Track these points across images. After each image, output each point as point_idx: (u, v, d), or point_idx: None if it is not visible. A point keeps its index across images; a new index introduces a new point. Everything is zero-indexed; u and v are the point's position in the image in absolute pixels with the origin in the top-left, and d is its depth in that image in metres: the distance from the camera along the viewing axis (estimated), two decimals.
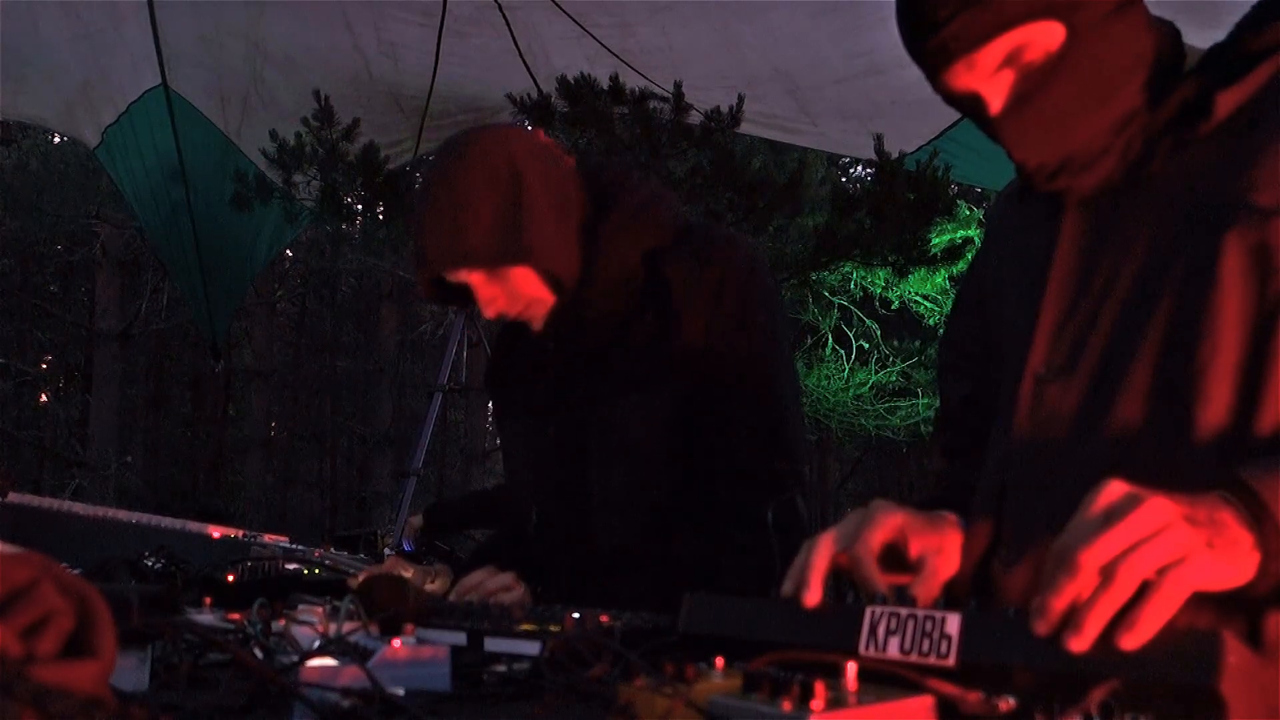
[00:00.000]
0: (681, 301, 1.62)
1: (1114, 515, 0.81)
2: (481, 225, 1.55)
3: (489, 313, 1.64)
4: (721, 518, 1.60)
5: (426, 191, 1.61)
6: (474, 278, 1.61)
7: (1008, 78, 1.09)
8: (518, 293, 1.63)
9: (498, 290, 1.62)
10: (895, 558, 1.11)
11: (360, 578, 1.41)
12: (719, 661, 0.78)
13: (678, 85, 4.16)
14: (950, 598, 1.15)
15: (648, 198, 1.70)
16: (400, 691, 0.81)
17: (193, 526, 2.04)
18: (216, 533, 2.01)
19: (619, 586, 1.57)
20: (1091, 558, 0.79)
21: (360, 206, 4.91)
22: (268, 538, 2.01)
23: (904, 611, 0.84)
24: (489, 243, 1.56)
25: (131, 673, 0.87)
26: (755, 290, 1.65)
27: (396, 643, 0.90)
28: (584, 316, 1.66)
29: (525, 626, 1.08)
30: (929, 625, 0.81)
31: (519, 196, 1.57)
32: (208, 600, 1.28)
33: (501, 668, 1.00)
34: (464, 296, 1.67)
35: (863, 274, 10.28)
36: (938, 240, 6.09)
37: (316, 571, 1.70)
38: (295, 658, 0.88)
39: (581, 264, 1.64)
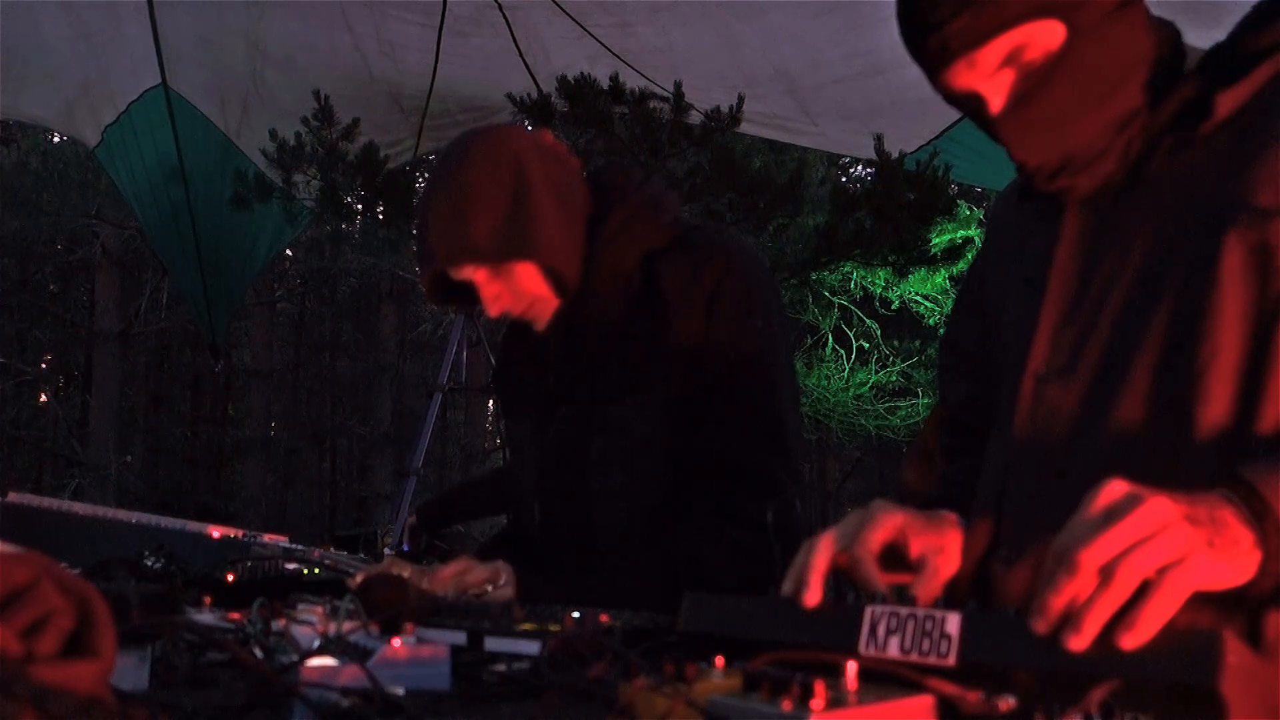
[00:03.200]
0: (677, 304, 1.63)
1: (1114, 515, 0.81)
2: (486, 221, 1.56)
3: (493, 311, 1.65)
4: (719, 517, 1.60)
5: (432, 189, 1.62)
6: (478, 275, 1.61)
7: (1008, 77, 1.09)
8: (521, 290, 1.63)
9: (501, 287, 1.63)
10: (895, 558, 1.11)
11: (359, 578, 1.41)
12: (719, 661, 0.78)
13: (678, 85, 4.16)
14: (950, 597, 1.15)
15: (648, 199, 1.70)
16: (400, 691, 0.81)
17: (193, 526, 2.04)
18: (216, 533, 2.00)
19: (619, 583, 1.57)
20: (1091, 557, 0.79)
21: (360, 206, 4.90)
22: (268, 538, 2.00)
23: (904, 611, 0.84)
24: (494, 238, 1.56)
25: (131, 673, 0.86)
26: (752, 294, 1.65)
27: (396, 642, 0.90)
28: (582, 317, 1.66)
29: (525, 626, 1.08)
30: (929, 625, 0.81)
31: (524, 193, 1.57)
32: (208, 600, 1.28)
33: (501, 667, 1.00)
34: (467, 296, 1.67)
35: (863, 274, 10.28)
36: (938, 240, 6.09)
37: (316, 571, 1.70)
38: (295, 657, 0.88)
39: (583, 264, 1.64)
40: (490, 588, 1.53)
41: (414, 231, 1.68)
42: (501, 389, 1.90)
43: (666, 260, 1.66)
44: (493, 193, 1.57)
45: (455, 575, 1.51)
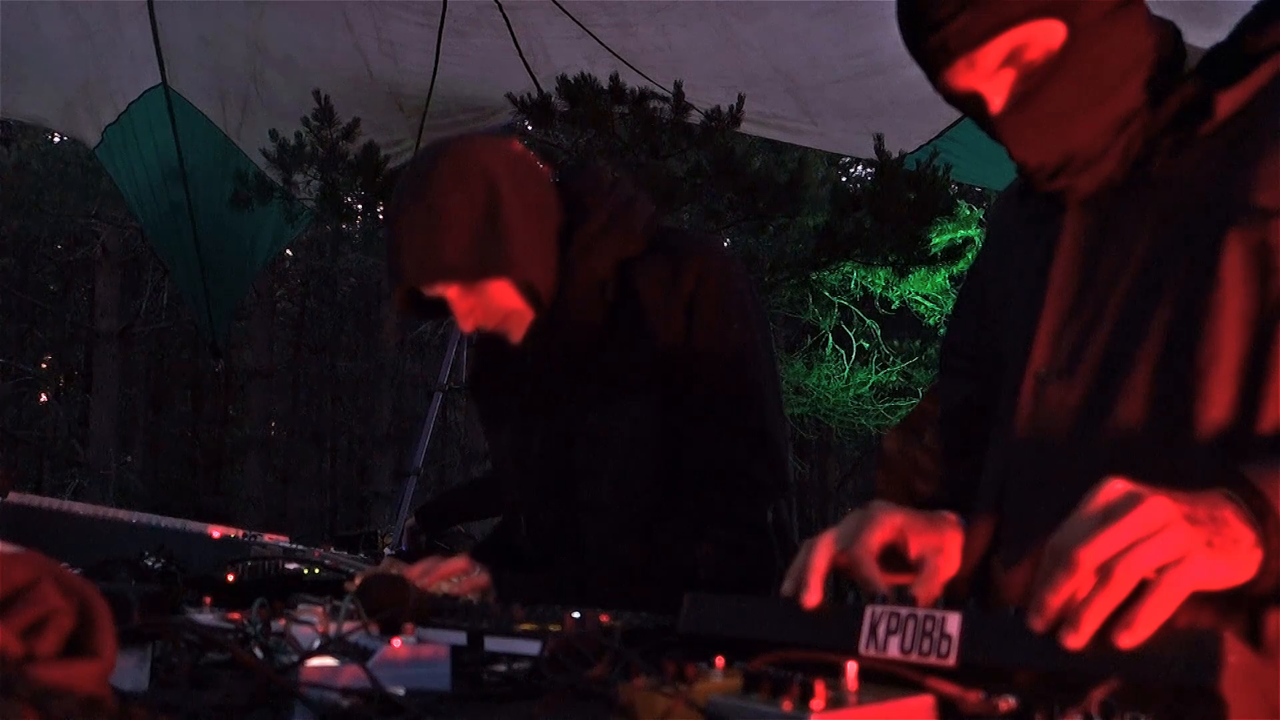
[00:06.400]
0: (656, 311, 1.62)
1: (1113, 513, 0.81)
2: (458, 239, 1.54)
3: (467, 326, 1.63)
4: (703, 518, 1.60)
5: (400, 206, 1.59)
6: (451, 291, 1.59)
7: (1008, 77, 1.09)
8: (495, 306, 1.62)
9: (475, 303, 1.61)
10: (895, 558, 1.11)
11: (358, 580, 1.41)
12: (719, 661, 0.78)
13: (678, 85, 4.16)
14: (950, 597, 1.15)
15: (621, 205, 1.68)
16: (400, 691, 0.81)
17: (193, 526, 2.04)
18: (216, 533, 2.00)
19: (609, 591, 1.56)
20: (1089, 555, 0.79)
21: (360, 206, 4.90)
22: (268, 538, 2.00)
23: (904, 611, 0.84)
24: (466, 256, 1.54)
25: (131, 673, 0.86)
26: (730, 297, 1.64)
27: (396, 642, 0.90)
28: (559, 326, 1.65)
29: (525, 626, 1.08)
30: (929, 625, 0.81)
31: (495, 208, 1.56)
32: (208, 600, 1.28)
33: (501, 667, 1.00)
34: (440, 309, 1.66)
35: (863, 274, 10.29)
36: (938, 240, 6.09)
37: (316, 571, 1.70)
38: (295, 658, 0.88)
39: (557, 274, 1.63)
40: (457, 580, 1.52)
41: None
42: (478, 399, 1.88)
43: (642, 266, 1.65)
44: (463, 210, 1.54)
45: (417, 577, 1.50)
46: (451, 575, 1.54)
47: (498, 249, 1.55)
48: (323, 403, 18.13)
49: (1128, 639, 0.74)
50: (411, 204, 1.57)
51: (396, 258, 1.58)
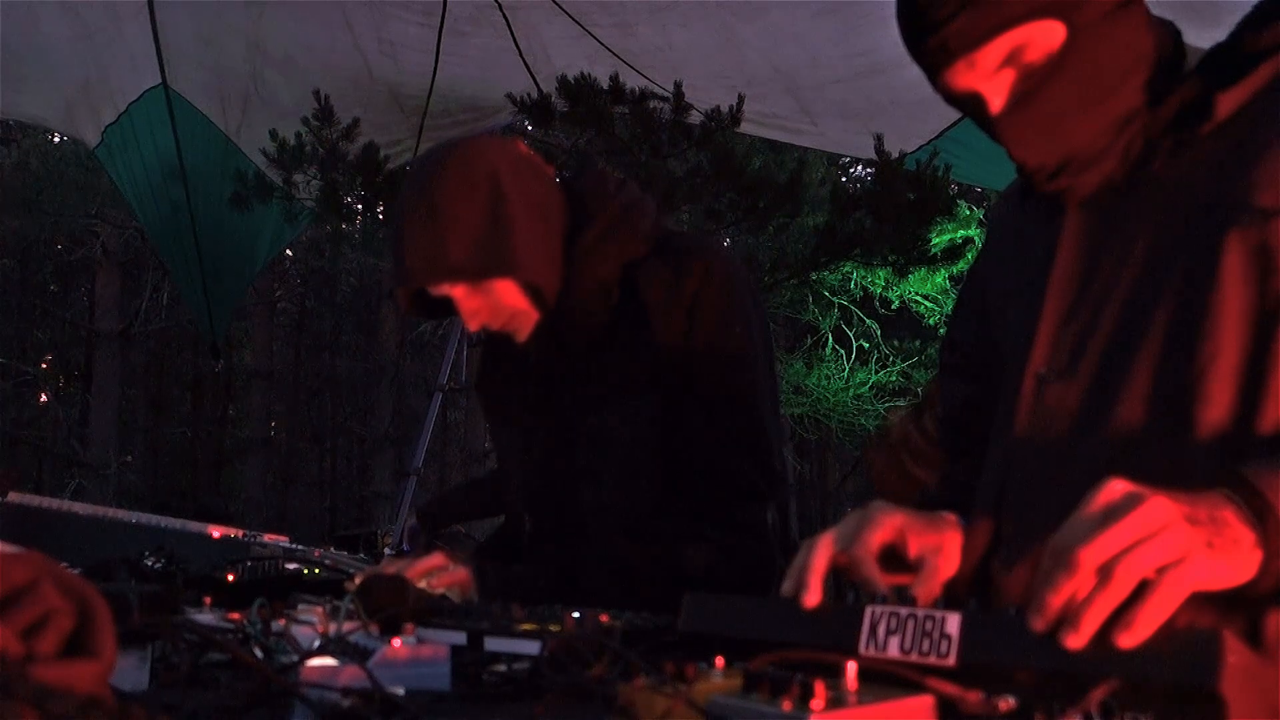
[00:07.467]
0: (658, 313, 1.62)
1: (1113, 514, 0.81)
2: (464, 238, 1.55)
3: (472, 326, 1.63)
4: (697, 519, 1.60)
5: (406, 206, 1.60)
6: (457, 291, 1.60)
7: (1008, 77, 1.09)
8: (501, 305, 1.62)
9: (481, 303, 1.62)
10: (895, 558, 1.11)
11: (358, 580, 1.41)
12: (719, 661, 0.78)
13: (678, 85, 4.16)
14: (950, 597, 1.15)
15: (626, 207, 1.68)
16: (400, 691, 0.81)
17: (193, 526, 2.04)
18: (216, 533, 2.00)
19: (599, 587, 1.56)
20: (1090, 556, 0.79)
21: (360, 206, 4.90)
22: (268, 538, 2.00)
23: (904, 611, 0.84)
24: (472, 256, 1.55)
25: (131, 673, 0.86)
26: (732, 300, 1.65)
27: (396, 642, 0.90)
28: (563, 328, 1.66)
29: (525, 626, 1.08)
30: (929, 625, 0.81)
31: (500, 209, 1.56)
32: (208, 600, 1.28)
33: (501, 667, 1.00)
34: (445, 309, 1.66)
35: (863, 274, 10.30)
36: (938, 240, 6.09)
37: (316, 571, 1.70)
38: (295, 658, 0.88)
39: (562, 275, 1.63)
40: (426, 582, 1.52)
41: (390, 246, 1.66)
42: (484, 398, 1.89)
43: (646, 269, 1.65)
44: (469, 210, 1.55)
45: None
46: (427, 571, 1.53)
47: (503, 248, 1.56)
48: (323, 403, 18.13)
49: (1128, 639, 0.74)
50: (416, 204, 1.58)
51: (402, 258, 1.58)
